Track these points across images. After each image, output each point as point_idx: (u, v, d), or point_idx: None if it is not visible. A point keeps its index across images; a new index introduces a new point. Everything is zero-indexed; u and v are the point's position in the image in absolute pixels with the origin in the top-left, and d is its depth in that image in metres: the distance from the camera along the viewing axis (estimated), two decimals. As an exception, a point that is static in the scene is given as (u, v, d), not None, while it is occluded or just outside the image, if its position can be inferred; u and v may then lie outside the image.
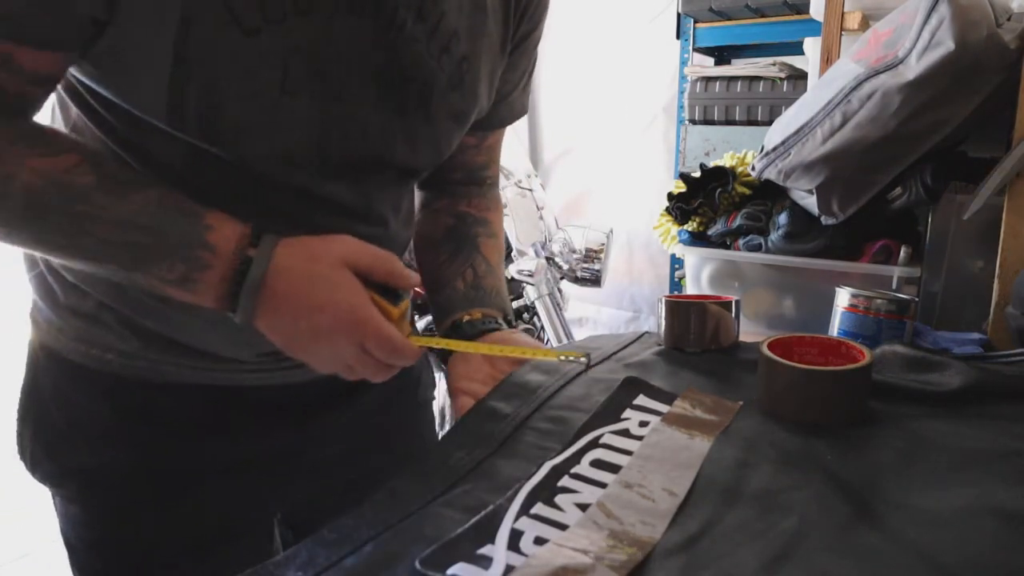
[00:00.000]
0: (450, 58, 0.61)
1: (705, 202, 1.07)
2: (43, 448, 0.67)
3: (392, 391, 0.63)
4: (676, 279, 2.29)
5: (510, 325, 0.70)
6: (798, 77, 1.97)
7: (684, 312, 0.72)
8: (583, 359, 0.58)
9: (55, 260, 0.56)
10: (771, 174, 0.97)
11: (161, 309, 0.62)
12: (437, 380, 1.88)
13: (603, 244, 2.82)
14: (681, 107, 2.19)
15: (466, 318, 0.69)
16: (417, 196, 0.82)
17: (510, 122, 0.79)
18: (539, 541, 0.39)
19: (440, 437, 0.56)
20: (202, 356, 0.65)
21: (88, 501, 0.67)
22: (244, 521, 0.73)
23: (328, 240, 0.55)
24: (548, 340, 2.30)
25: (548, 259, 2.16)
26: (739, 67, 2.07)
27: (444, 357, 0.68)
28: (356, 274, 0.55)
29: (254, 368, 0.68)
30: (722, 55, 2.33)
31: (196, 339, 0.64)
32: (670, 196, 1.12)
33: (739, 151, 1.12)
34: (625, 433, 0.52)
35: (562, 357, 0.59)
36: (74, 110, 0.58)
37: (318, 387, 0.71)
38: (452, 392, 0.64)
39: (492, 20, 0.65)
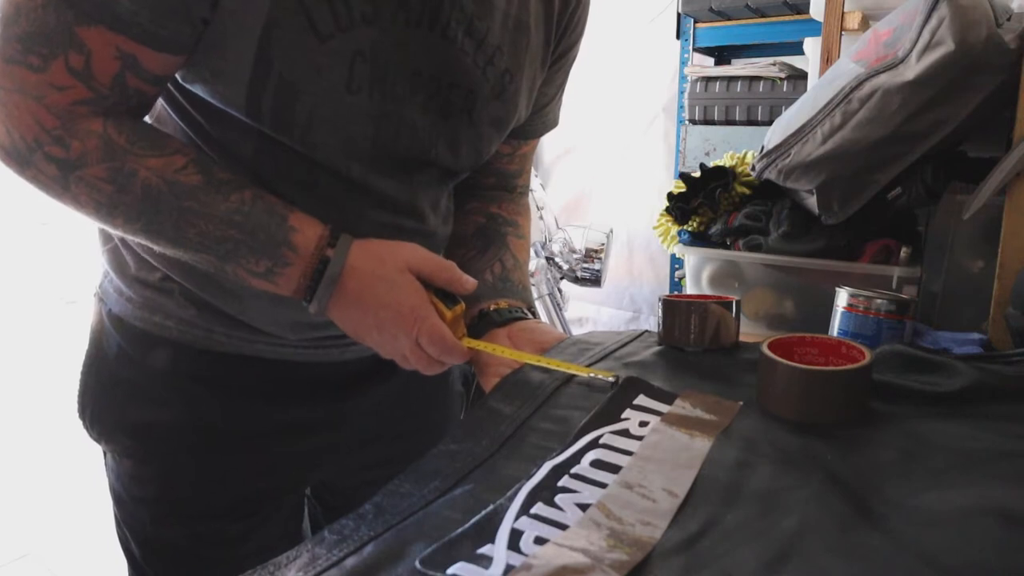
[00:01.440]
0: (494, 69, 0.67)
1: (705, 202, 1.07)
2: (104, 405, 0.73)
3: (425, 379, 0.68)
4: (676, 279, 2.29)
5: (534, 316, 0.75)
6: (798, 77, 1.97)
7: (684, 312, 0.72)
8: (611, 379, 0.59)
9: (156, 247, 0.62)
10: (771, 174, 0.97)
11: (217, 285, 0.68)
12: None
13: (603, 244, 2.82)
14: (681, 107, 2.20)
15: (493, 307, 0.73)
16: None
17: (543, 133, 0.85)
18: (539, 541, 0.39)
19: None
20: (250, 330, 0.71)
21: (140, 455, 0.73)
22: (279, 489, 0.79)
23: (396, 246, 0.62)
24: (548, 340, 2.30)
25: (548, 259, 2.16)
26: (739, 67, 2.07)
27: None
28: (418, 278, 0.62)
29: (295, 344, 0.73)
30: (722, 55, 2.33)
31: (246, 314, 0.70)
32: (670, 196, 1.12)
33: (739, 151, 1.12)
34: (625, 433, 0.52)
35: (592, 374, 0.61)
36: (160, 103, 0.64)
37: (355, 365, 0.78)
38: (481, 371, 0.68)
39: (534, 38, 0.71)
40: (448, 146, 0.68)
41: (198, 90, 0.60)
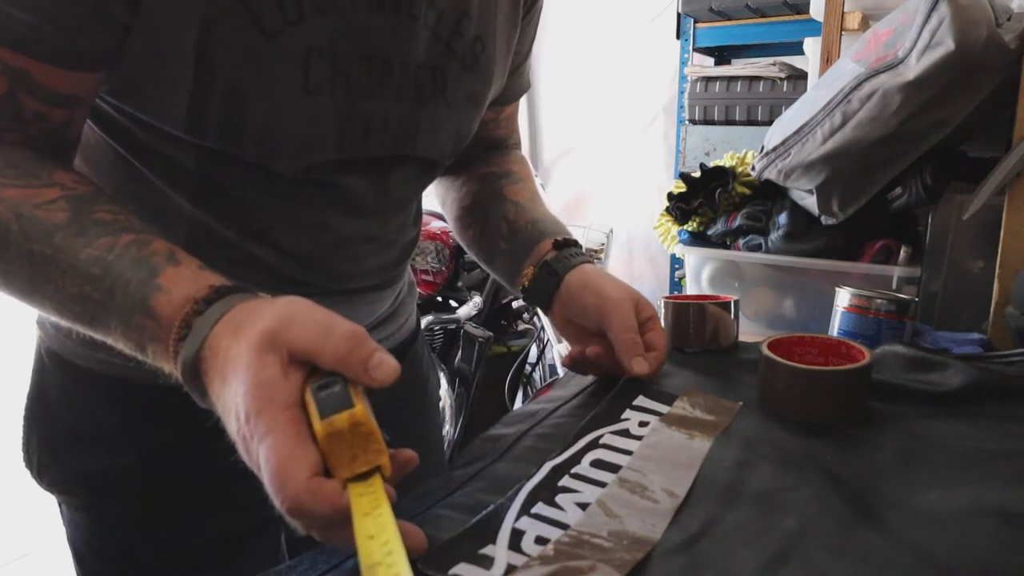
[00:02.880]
0: (462, 39, 0.60)
1: (705, 202, 1.07)
2: (50, 454, 0.66)
3: (402, 390, 0.62)
4: (676, 279, 2.29)
5: (574, 245, 0.69)
6: (798, 77, 1.97)
7: (684, 312, 0.72)
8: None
9: (31, 307, 0.50)
10: (771, 174, 0.97)
11: None
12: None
13: (603, 244, 2.81)
14: (681, 107, 2.19)
15: (526, 283, 0.68)
16: (444, 182, 0.83)
17: (522, 94, 0.80)
18: (540, 540, 0.39)
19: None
20: None
21: (96, 508, 0.66)
22: (251, 528, 0.71)
23: (269, 306, 0.40)
24: (548, 339, 2.30)
25: (548, 259, 2.16)
26: (739, 67, 2.07)
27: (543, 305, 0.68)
28: (295, 358, 0.39)
29: None
30: (722, 55, 2.33)
31: None
32: (670, 196, 1.12)
33: (739, 151, 1.12)
34: (625, 433, 0.52)
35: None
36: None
37: None
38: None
39: None
40: (427, 135, 0.61)
41: (128, 107, 0.52)
